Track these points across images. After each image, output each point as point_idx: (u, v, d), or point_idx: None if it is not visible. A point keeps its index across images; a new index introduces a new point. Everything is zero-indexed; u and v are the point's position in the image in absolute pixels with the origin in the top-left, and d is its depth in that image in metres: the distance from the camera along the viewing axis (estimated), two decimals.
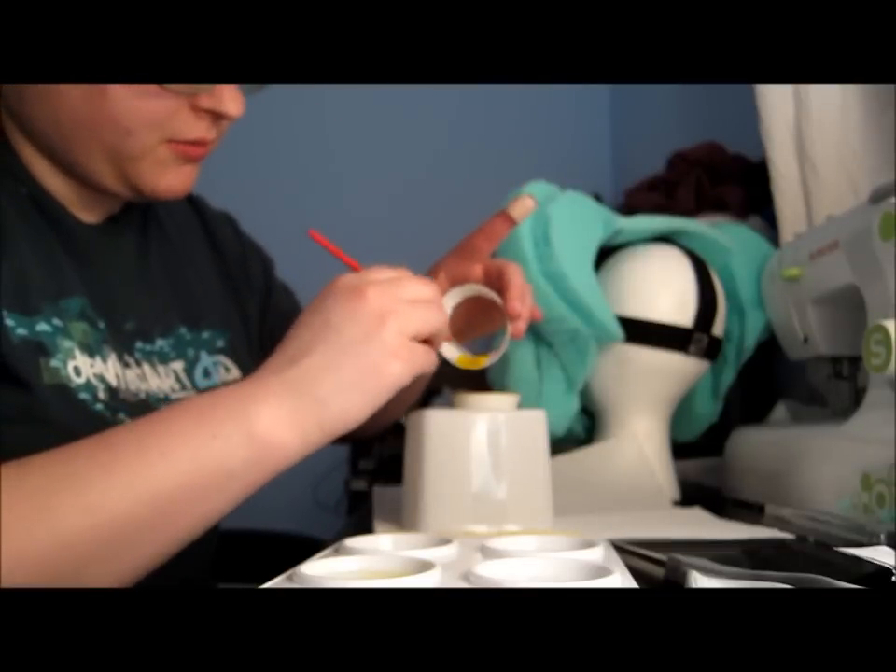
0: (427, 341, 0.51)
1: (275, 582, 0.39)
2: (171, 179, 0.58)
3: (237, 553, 1.11)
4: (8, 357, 0.50)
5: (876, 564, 0.42)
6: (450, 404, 0.62)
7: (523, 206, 0.64)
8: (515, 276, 0.61)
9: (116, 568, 0.44)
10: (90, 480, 0.43)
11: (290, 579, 0.40)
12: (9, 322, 0.50)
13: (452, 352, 0.59)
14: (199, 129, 0.56)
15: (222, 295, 0.74)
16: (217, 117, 0.57)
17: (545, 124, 2.32)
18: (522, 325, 0.59)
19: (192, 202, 0.77)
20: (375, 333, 0.47)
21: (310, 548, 0.50)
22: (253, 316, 0.77)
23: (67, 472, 0.43)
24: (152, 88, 0.52)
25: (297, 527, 1.42)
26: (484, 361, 0.59)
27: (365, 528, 0.63)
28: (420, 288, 0.51)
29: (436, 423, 0.59)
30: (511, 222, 0.65)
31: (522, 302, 0.59)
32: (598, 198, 1.00)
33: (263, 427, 0.46)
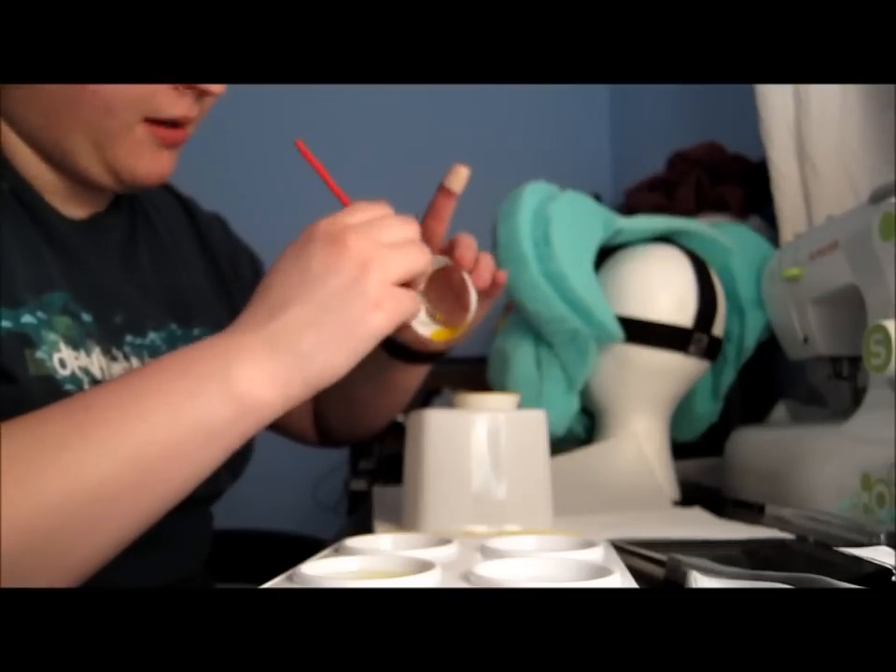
0: (408, 284, 0.51)
1: (275, 582, 0.39)
2: (149, 163, 0.58)
3: (237, 553, 1.11)
4: None
5: (876, 564, 0.42)
6: (450, 404, 0.62)
7: (457, 176, 0.63)
8: (463, 237, 0.62)
9: (100, 535, 0.44)
10: (67, 444, 0.42)
11: (290, 579, 0.40)
12: None
13: (425, 328, 0.57)
14: (181, 106, 0.56)
15: (212, 294, 0.74)
16: (199, 94, 0.56)
17: (545, 124, 2.32)
18: (484, 275, 0.60)
19: (183, 203, 0.77)
20: (357, 284, 0.47)
21: (310, 548, 0.50)
22: None
23: (44, 437, 0.43)
24: None
25: (297, 527, 1.42)
26: (457, 328, 0.58)
27: (365, 528, 0.63)
28: (401, 229, 0.50)
29: (436, 423, 0.59)
30: (452, 195, 0.64)
31: (469, 251, 0.60)
32: (598, 198, 1.00)
33: (244, 385, 0.45)
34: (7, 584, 0.40)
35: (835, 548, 0.47)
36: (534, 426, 0.62)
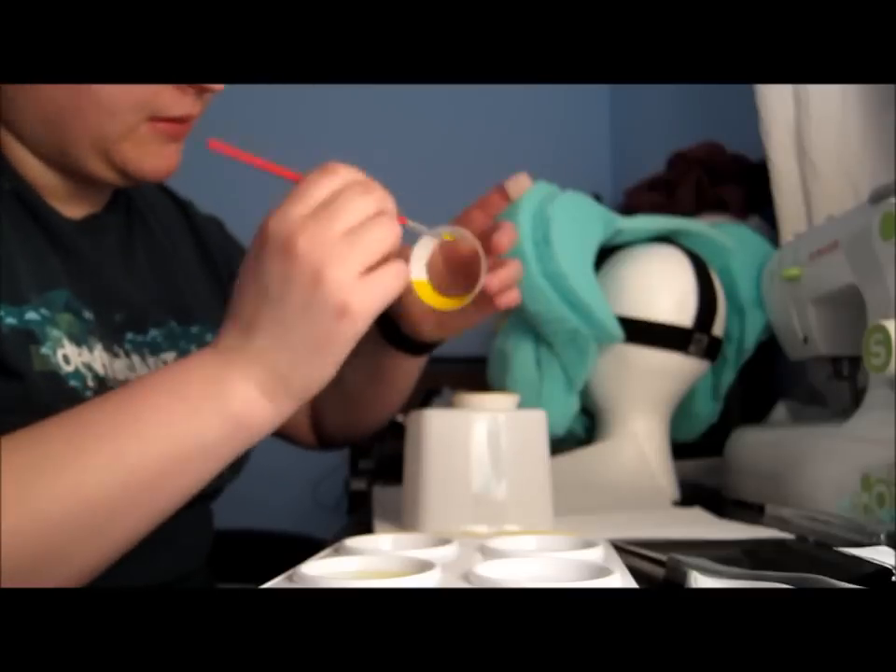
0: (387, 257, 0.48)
1: (275, 582, 0.39)
2: (155, 159, 0.58)
3: (237, 553, 1.11)
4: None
5: (876, 564, 0.42)
6: (450, 404, 0.62)
7: (519, 184, 0.65)
8: (510, 228, 0.61)
9: (97, 545, 0.45)
10: (65, 461, 0.44)
11: (290, 579, 0.40)
12: None
13: (421, 273, 0.55)
14: (183, 105, 0.57)
15: (209, 294, 0.75)
16: (200, 91, 0.57)
17: (545, 124, 2.32)
18: (504, 279, 0.59)
19: (180, 204, 0.78)
20: (314, 296, 0.45)
21: (310, 548, 0.50)
22: None
23: (43, 454, 0.44)
24: None
25: (297, 527, 1.42)
26: (450, 304, 0.55)
27: (365, 528, 0.63)
28: (360, 204, 0.46)
29: (436, 423, 0.59)
30: (507, 198, 0.65)
31: (507, 242, 0.59)
32: (598, 198, 1.00)
33: (238, 405, 0.46)
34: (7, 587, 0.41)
35: (835, 548, 0.47)
36: (534, 426, 0.62)
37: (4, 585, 0.41)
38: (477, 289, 0.55)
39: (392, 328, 0.72)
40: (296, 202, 0.46)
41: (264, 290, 0.46)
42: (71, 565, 0.45)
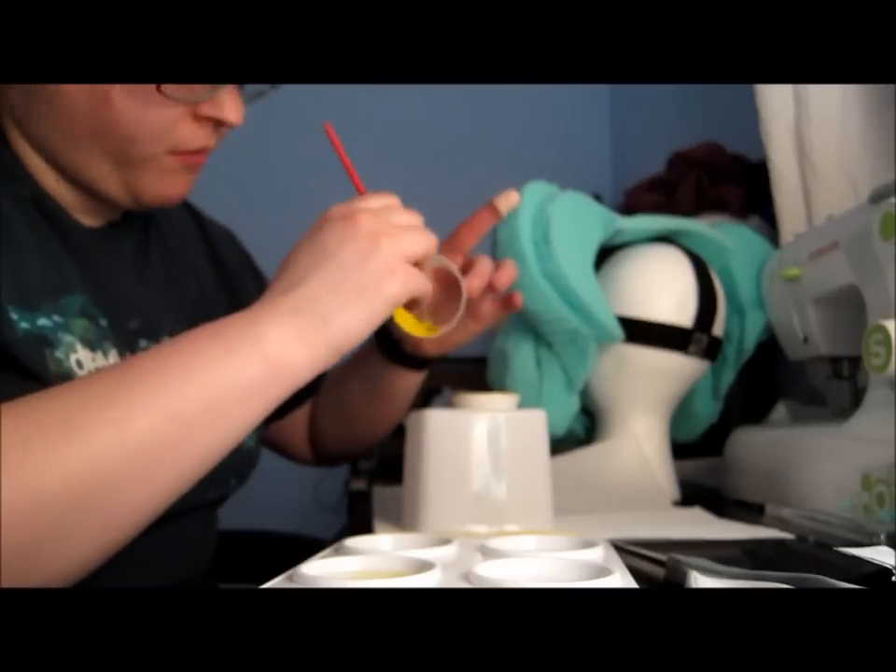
0: (417, 266, 0.54)
1: (275, 582, 0.40)
2: (171, 186, 0.60)
3: (237, 553, 1.11)
4: (15, 347, 0.51)
5: (876, 564, 0.42)
6: (450, 404, 0.62)
7: (508, 200, 0.68)
8: (483, 261, 0.67)
9: (146, 487, 0.45)
10: (114, 398, 0.44)
11: (290, 579, 0.40)
12: (13, 315, 0.51)
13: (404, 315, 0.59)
14: (201, 137, 0.58)
15: (222, 304, 0.75)
16: (217, 124, 0.58)
17: (545, 124, 2.32)
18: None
19: (193, 214, 0.79)
20: (371, 253, 0.51)
21: (310, 548, 0.50)
22: None
23: (91, 394, 0.45)
24: (154, 97, 0.54)
25: (297, 527, 1.42)
26: (435, 330, 0.59)
27: (365, 528, 0.63)
28: (408, 216, 0.55)
29: (436, 423, 0.59)
30: (497, 214, 0.68)
31: (480, 279, 0.65)
32: (598, 198, 1.00)
33: (273, 346, 0.48)
34: (62, 531, 0.42)
35: (835, 548, 0.47)
36: (534, 426, 0.62)
37: (58, 520, 0.42)
38: (456, 319, 0.58)
39: (393, 346, 0.76)
40: (357, 201, 0.55)
41: (321, 247, 0.51)
42: (120, 504, 0.44)
